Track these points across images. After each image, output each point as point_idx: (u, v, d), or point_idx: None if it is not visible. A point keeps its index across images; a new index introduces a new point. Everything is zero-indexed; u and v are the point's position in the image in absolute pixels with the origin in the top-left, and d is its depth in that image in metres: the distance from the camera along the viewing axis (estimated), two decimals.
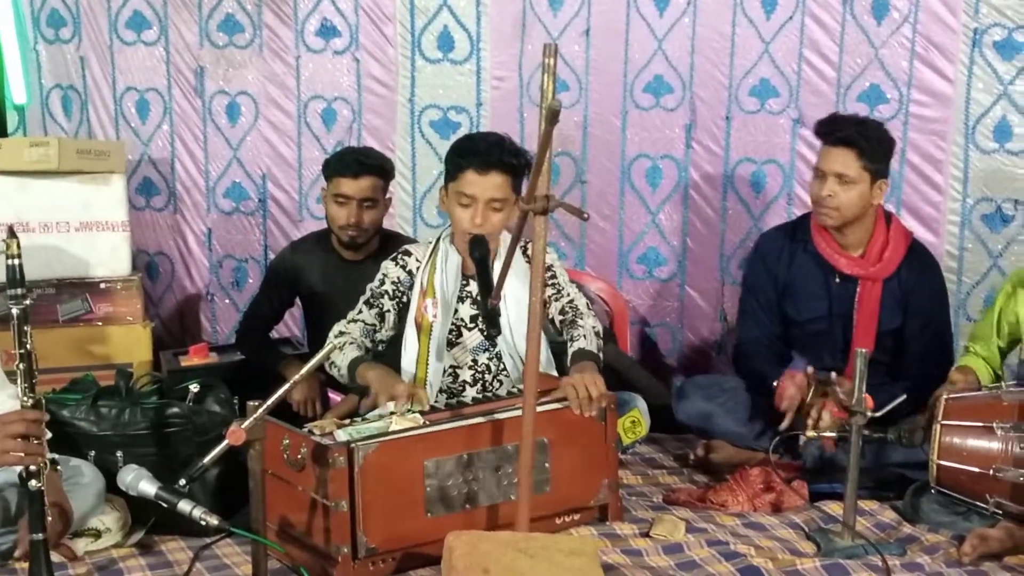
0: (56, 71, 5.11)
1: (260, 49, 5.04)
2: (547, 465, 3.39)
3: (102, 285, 4.52)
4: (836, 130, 3.92)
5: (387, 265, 3.81)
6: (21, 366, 2.96)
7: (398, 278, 3.77)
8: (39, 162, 4.36)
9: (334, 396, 4.42)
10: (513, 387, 3.73)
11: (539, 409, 3.21)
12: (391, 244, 4.29)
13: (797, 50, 4.75)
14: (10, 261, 2.98)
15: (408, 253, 3.82)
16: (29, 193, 4.42)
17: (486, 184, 3.57)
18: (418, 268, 3.77)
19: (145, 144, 5.14)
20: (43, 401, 2.99)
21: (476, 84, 4.97)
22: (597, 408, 3.42)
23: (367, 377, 3.49)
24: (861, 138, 3.90)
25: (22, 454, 2.88)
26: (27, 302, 2.98)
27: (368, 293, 3.78)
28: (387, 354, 3.78)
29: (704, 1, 4.78)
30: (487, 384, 3.78)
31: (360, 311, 3.75)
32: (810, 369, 3.71)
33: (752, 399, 4.10)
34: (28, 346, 2.97)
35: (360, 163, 4.29)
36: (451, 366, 3.76)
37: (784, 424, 3.72)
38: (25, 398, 2.95)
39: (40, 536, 2.88)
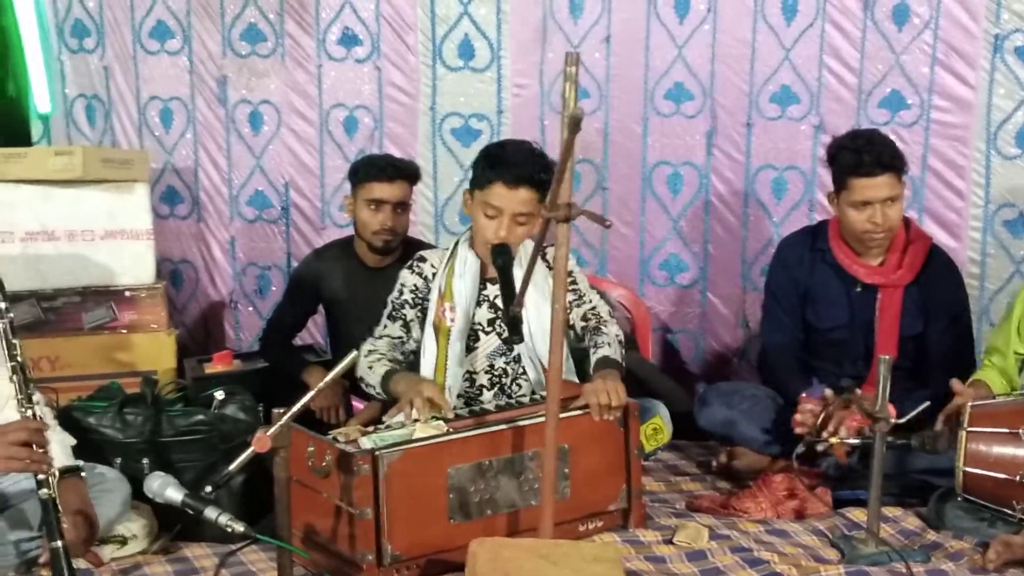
0: (80, 81, 5.14)
1: (282, 58, 5.06)
2: (566, 471, 3.39)
3: (127, 293, 4.54)
4: (872, 159, 3.84)
5: (403, 274, 3.82)
6: (15, 378, 2.99)
7: (415, 285, 3.78)
8: (64, 171, 4.38)
9: (357, 404, 4.43)
10: (533, 391, 3.74)
11: (560, 416, 3.22)
12: (414, 250, 4.31)
13: (818, 56, 4.75)
14: None
15: (423, 259, 3.83)
16: (54, 202, 4.44)
17: (514, 199, 3.56)
18: (434, 274, 3.78)
19: (169, 153, 5.17)
20: (40, 412, 3.01)
21: (497, 92, 4.98)
22: (616, 415, 3.42)
23: (397, 389, 3.51)
24: (893, 157, 3.89)
25: (26, 461, 2.90)
26: (11, 315, 3.02)
27: (389, 306, 3.79)
28: (413, 363, 3.80)
29: (724, 8, 4.79)
30: (504, 388, 3.78)
31: (385, 326, 3.76)
32: (828, 392, 3.68)
33: (775, 406, 4.10)
34: (19, 358, 2.99)
35: (395, 167, 4.34)
36: (468, 371, 3.77)
37: (799, 449, 3.68)
38: (23, 409, 2.97)
39: (58, 544, 2.90)
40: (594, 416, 3.38)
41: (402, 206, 4.32)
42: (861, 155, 3.86)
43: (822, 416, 3.63)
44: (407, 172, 4.37)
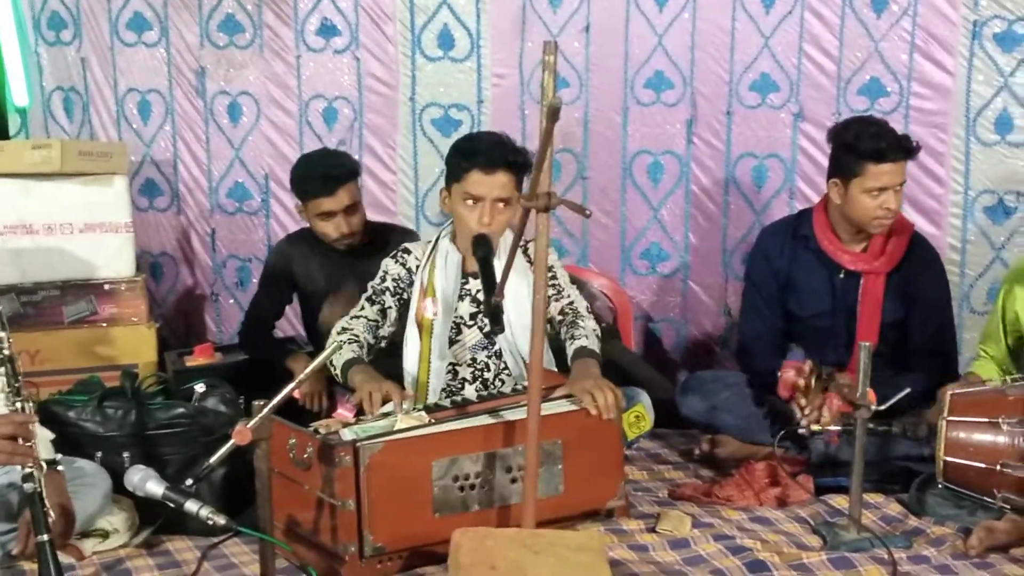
0: (57, 73, 5.11)
1: (261, 49, 5.04)
2: (560, 467, 3.38)
3: (106, 286, 4.53)
4: (894, 145, 3.87)
5: (387, 263, 3.83)
6: (2, 370, 2.98)
7: (398, 275, 3.79)
8: (42, 164, 4.37)
9: (341, 408, 4.38)
10: (516, 384, 3.74)
11: (553, 411, 3.24)
12: (379, 232, 4.38)
13: (797, 44, 4.75)
14: None
15: (408, 251, 3.84)
16: (32, 195, 4.42)
17: (492, 183, 3.59)
18: (418, 267, 3.78)
19: (147, 145, 5.14)
20: (28, 406, 3.00)
21: (477, 82, 4.97)
22: (616, 410, 3.42)
23: (354, 381, 3.52)
24: (910, 143, 3.92)
25: (11, 455, 2.89)
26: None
27: (370, 290, 3.80)
28: (388, 354, 3.79)
29: None
30: (487, 382, 3.79)
31: (362, 307, 3.77)
32: (808, 363, 3.72)
33: (756, 394, 4.11)
34: (6, 351, 2.99)
35: (333, 178, 4.22)
36: (450, 364, 3.77)
37: (799, 419, 3.70)
38: (11, 401, 2.96)
39: (45, 537, 2.89)
40: (592, 412, 3.38)
41: (352, 207, 4.27)
42: (882, 141, 3.87)
43: (806, 384, 3.66)
44: (344, 177, 4.25)
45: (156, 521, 3.45)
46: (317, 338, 4.44)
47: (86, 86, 5.11)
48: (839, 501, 3.64)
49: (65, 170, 4.40)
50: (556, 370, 3.73)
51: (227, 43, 5.05)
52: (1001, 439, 3.38)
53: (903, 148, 3.89)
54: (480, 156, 3.60)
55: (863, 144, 3.89)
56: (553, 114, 2.70)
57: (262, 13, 5.00)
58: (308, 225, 4.42)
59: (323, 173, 4.25)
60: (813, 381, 3.69)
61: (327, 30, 5.00)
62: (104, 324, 4.52)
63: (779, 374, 3.76)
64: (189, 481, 2.78)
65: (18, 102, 5.08)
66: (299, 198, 4.33)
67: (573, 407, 3.43)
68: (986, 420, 3.41)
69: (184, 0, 5.00)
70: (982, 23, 4.56)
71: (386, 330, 3.77)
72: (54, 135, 5.08)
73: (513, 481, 3.30)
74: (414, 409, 3.39)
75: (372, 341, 3.71)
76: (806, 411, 3.65)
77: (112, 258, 4.54)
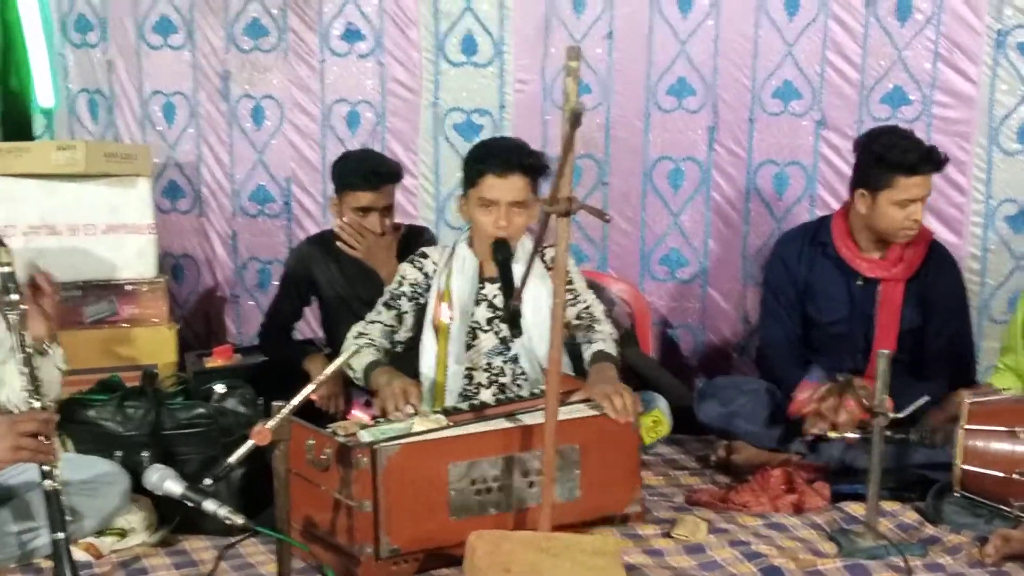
0: (83, 75, 5.15)
1: (285, 53, 5.07)
2: (577, 472, 3.39)
3: (128, 287, 4.55)
4: (925, 158, 3.87)
5: (404, 267, 3.85)
6: (25, 369, 3.01)
7: (415, 280, 3.80)
8: (66, 165, 4.39)
9: (356, 407, 4.40)
10: (533, 388, 3.75)
11: (571, 416, 3.24)
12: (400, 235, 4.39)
13: (820, 52, 4.75)
14: (2, 268, 3.04)
15: (425, 256, 3.86)
16: (56, 196, 4.44)
17: (507, 187, 3.61)
18: (435, 271, 3.80)
19: (171, 147, 5.18)
20: (48, 404, 3.04)
21: (499, 87, 4.99)
22: (635, 413, 3.43)
23: (378, 383, 3.54)
24: (941, 155, 3.92)
25: (34, 452, 2.93)
26: (23, 307, 3.07)
27: (387, 295, 3.82)
28: (405, 358, 3.80)
29: (727, 3, 4.78)
30: (503, 386, 3.80)
31: (379, 312, 3.79)
32: (824, 387, 3.73)
33: (773, 401, 4.11)
34: (30, 350, 3.02)
35: (379, 174, 4.28)
36: (466, 368, 3.78)
37: (807, 433, 3.74)
38: (32, 400, 2.99)
39: (61, 535, 2.91)
40: (611, 416, 3.39)
41: (387, 208, 4.32)
42: (914, 154, 3.87)
43: (824, 401, 3.67)
44: (390, 176, 4.33)
45: (174, 520, 3.46)
46: (336, 340, 4.45)
47: (111, 88, 5.15)
48: (855, 508, 3.63)
49: (89, 171, 4.42)
50: (573, 374, 3.74)
51: (252, 47, 5.08)
52: (1019, 448, 3.38)
53: (933, 161, 3.89)
54: (494, 160, 3.62)
55: (894, 156, 3.87)
56: (575, 120, 2.71)
57: (287, 18, 5.03)
58: (330, 228, 4.44)
59: (370, 168, 4.31)
60: (828, 398, 3.71)
61: (351, 35, 5.02)
62: (125, 324, 4.55)
63: (793, 395, 3.78)
64: (208, 481, 2.79)
65: (44, 103, 5.12)
66: (338, 191, 4.35)
67: (592, 412, 3.43)
68: (1004, 429, 3.41)
69: (210, 4, 5.03)
70: (1006, 32, 4.56)
71: (402, 335, 3.79)
72: (79, 136, 5.12)
73: (530, 485, 3.31)
74: (432, 412, 3.40)
75: (388, 346, 3.73)
76: (823, 417, 3.67)
77: (134, 259, 4.57)
